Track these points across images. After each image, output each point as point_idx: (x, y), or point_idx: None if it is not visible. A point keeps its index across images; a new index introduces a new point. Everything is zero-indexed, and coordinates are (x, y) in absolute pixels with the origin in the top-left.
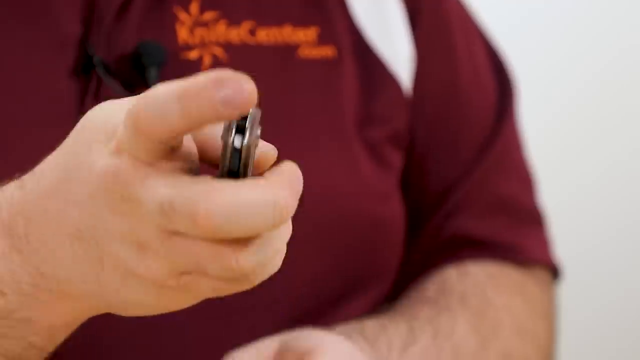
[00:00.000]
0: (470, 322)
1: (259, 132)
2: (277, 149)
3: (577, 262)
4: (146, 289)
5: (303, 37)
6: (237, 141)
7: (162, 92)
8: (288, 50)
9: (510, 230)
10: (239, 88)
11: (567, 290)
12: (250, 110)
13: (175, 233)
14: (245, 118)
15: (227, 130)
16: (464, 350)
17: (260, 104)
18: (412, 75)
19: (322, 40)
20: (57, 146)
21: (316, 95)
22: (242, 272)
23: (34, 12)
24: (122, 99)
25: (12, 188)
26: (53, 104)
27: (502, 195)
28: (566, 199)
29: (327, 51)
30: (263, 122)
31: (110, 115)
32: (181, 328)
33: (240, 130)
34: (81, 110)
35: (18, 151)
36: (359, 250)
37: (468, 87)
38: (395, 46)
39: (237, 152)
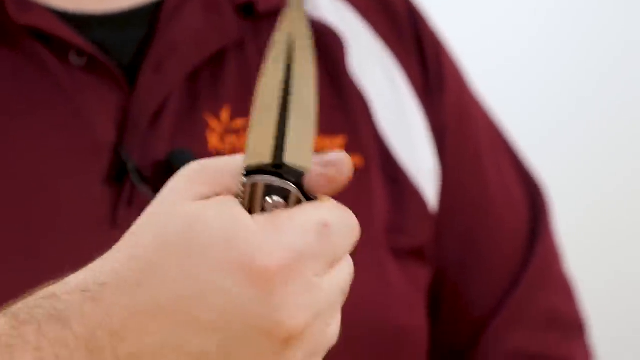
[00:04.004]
0: None
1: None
2: None
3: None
4: None
5: (330, 146)
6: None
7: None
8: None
9: (562, 345)
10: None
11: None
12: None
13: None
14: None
15: None
16: None
17: None
18: (438, 190)
19: (349, 149)
20: (90, 252)
21: (345, 204)
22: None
23: (67, 117)
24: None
25: (77, 299)
26: (86, 210)
27: (549, 309)
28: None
29: (355, 160)
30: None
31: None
32: None
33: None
34: (114, 217)
35: (50, 257)
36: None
37: (497, 203)
38: (418, 159)
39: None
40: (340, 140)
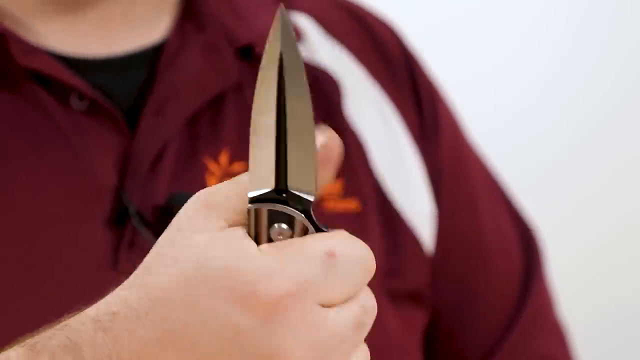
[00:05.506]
0: None
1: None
2: None
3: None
4: None
5: (328, 190)
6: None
7: None
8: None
9: None
10: None
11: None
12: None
13: None
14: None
15: None
16: None
17: None
18: (434, 233)
19: (346, 193)
20: (92, 295)
21: None
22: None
23: (68, 161)
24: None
25: (90, 328)
26: (88, 253)
27: (543, 354)
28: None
29: (352, 204)
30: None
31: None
32: None
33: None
34: (116, 260)
35: (51, 300)
36: None
37: (493, 248)
38: (414, 202)
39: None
40: (338, 184)
